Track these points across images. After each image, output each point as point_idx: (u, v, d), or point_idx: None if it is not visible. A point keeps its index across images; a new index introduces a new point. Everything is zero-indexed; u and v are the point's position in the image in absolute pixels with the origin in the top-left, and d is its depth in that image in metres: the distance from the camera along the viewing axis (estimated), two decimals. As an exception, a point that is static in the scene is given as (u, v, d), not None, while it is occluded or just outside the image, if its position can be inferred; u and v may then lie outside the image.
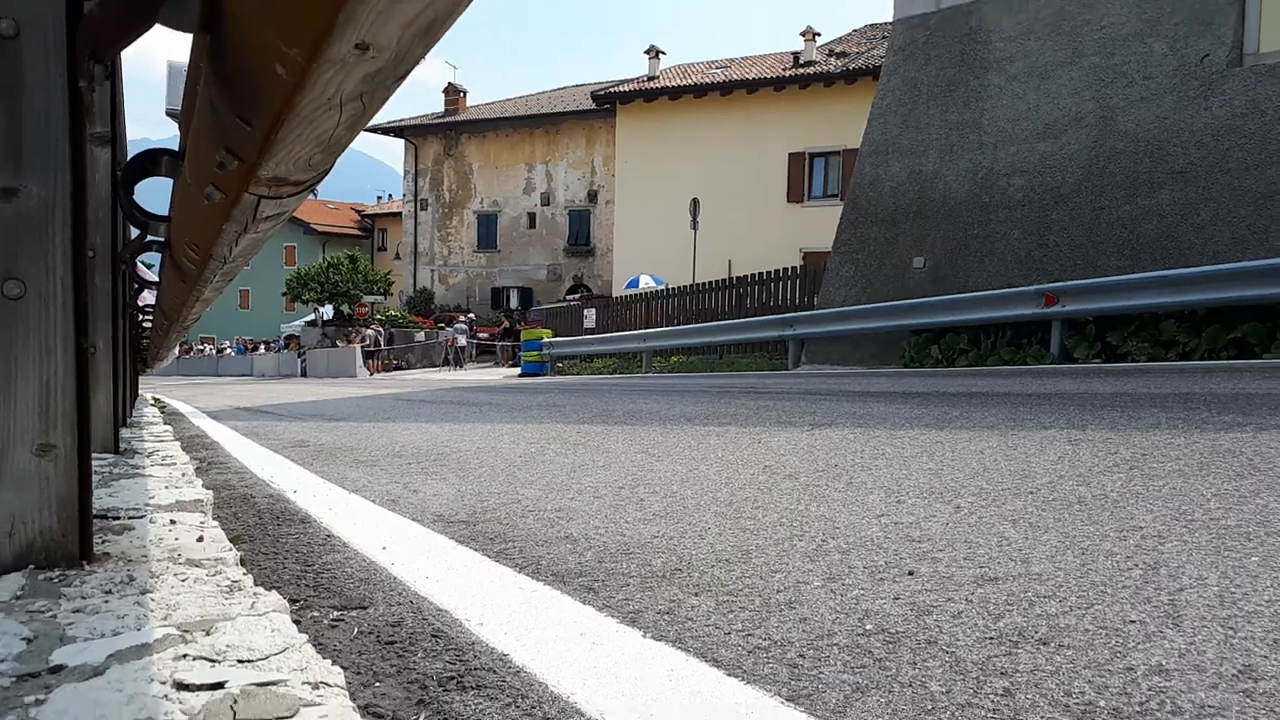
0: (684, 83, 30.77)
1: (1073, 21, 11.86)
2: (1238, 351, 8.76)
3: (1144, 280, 9.47)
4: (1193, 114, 10.59)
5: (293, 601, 1.57)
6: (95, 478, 2.32)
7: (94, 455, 2.08)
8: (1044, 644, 1.27)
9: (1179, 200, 10.42)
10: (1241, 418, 3.62)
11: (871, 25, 31.74)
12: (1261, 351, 8.53)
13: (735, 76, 30.16)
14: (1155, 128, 10.87)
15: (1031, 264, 11.46)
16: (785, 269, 18.29)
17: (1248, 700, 1.05)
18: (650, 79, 32.49)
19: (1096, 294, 9.87)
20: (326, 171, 1.32)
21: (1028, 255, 11.59)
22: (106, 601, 1.25)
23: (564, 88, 42.87)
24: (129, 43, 1.37)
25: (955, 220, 12.60)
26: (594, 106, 33.79)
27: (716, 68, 32.81)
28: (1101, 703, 1.06)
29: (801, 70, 28.76)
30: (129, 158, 2.10)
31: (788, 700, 1.12)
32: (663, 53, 33.42)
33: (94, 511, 1.53)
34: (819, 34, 30.18)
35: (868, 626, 1.39)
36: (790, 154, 28.58)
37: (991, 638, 1.31)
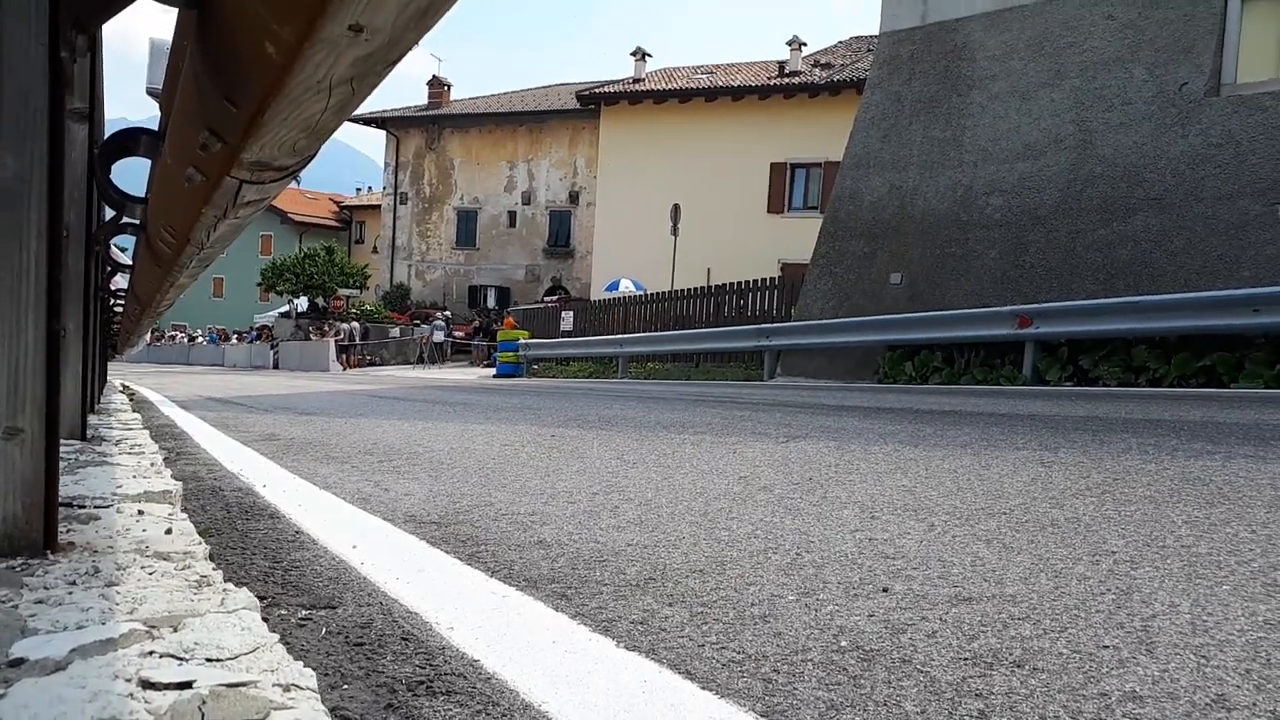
0: (669, 86, 30.77)
1: (1056, 43, 11.98)
2: (1206, 379, 8.87)
3: (1116, 305, 9.58)
4: (1170, 141, 10.72)
5: (261, 599, 1.54)
6: (62, 464, 2.27)
7: (61, 441, 2.03)
8: (1019, 666, 1.27)
9: (1153, 227, 10.54)
10: (1211, 446, 3.66)
11: (857, 37, 31.96)
12: (1229, 381, 8.65)
13: (720, 83, 30.22)
14: (1133, 153, 10.99)
15: (1007, 284, 11.55)
16: (764, 279, 18.32)
17: (1220, 730, 1.05)
18: (635, 81, 32.48)
19: (1070, 317, 9.97)
20: (311, 157, 1.30)
21: (1004, 275, 11.68)
22: (70, 593, 1.22)
23: (549, 86, 42.76)
24: (114, 13, 1.34)
25: (933, 237, 12.68)
26: (578, 106, 33.73)
27: (702, 73, 32.87)
28: (1076, 728, 1.06)
29: (786, 80, 28.88)
30: (106, 136, 2.06)
31: (762, 716, 1.11)
32: (649, 55, 33.42)
33: (60, 499, 1.49)
34: (805, 44, 30.33)
35: (842, 643, 1.39)
36: (772, 164, 28.64)
37: (966, 658, 1.31)
